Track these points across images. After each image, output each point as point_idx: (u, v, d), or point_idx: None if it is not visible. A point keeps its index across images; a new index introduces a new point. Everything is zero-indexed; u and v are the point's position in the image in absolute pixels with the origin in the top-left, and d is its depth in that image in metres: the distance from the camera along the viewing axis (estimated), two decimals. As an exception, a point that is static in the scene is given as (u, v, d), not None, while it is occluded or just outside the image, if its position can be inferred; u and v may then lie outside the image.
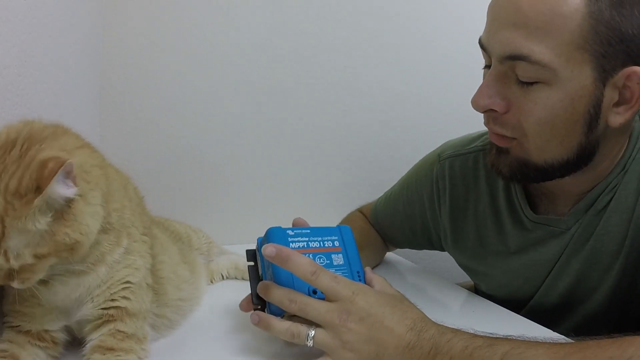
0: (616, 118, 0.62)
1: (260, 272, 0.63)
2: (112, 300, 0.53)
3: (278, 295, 0.57)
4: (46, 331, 0.53)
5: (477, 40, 0.67)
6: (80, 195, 0.47)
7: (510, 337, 0.51)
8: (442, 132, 0.97)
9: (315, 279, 0.56)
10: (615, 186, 0.68)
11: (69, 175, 0.45)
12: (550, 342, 0.49)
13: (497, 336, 0.52)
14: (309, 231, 0.64)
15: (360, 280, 0.62)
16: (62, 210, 0.46)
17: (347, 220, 1.02)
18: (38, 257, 0.45)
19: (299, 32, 1.14)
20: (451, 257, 0.90)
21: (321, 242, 0.64)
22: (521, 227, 0.76)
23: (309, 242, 0.63)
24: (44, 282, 0.50)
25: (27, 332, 0.52)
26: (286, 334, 0.56)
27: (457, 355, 0.50)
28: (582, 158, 0.65)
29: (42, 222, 0.44)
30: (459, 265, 0.90)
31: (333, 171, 1.21)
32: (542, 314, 0.76)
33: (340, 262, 0.63)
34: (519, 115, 0.63)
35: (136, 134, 1.05)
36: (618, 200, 0.68)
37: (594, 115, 0.61)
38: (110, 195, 0.53)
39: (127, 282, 0.54)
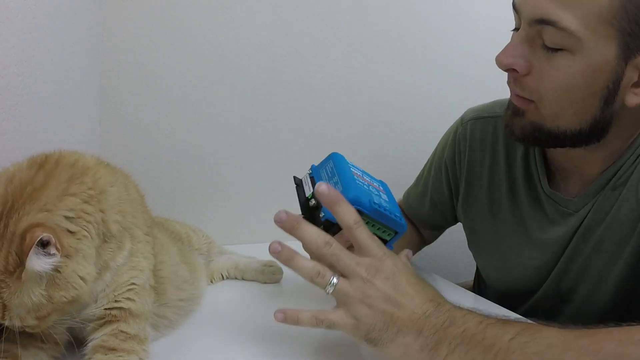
0: (633, 99, 0.63)
1: (307, 194, 0.63)
2: (116, 301, 0.53)
3: (314, 233, 0.56)
4: (48, 332, 0.53)
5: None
6: (67, 257, 0.46)
7: (521, 320, 0.52)
8: (443, 133, 0.97)
9: (356, 229, 0.56)
10: (626, 172, 0.69)
11: (48, 243, 0.44)
12: (560, 326, 0.49)
13: (510, 318, 0.52)
14: (360, 169, 0.68)
15: (402, 220, 0.63)
16: (54, 276, 0.46)
17: None
18: (40, 318, 0.46)
19: (299, 33, 1.14)
20: (451, 256, 0.90)
21: (371, 179, 0.67)
22: (535, 198, 0.77)
23: (363, 175, 0.66)
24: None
25: (29, 333, 0.51)
26: (311, 271, 0.55)
27: (470, 328, 0.50)
28: (595, 132, 0.66)
29: (37, 293, 0.45)
30: (468, 239, 0.90)
31: (333, 171, 1.21)
32: (549, 305, 0.76)
33: (386, 199, 0.64)
34: (538, 79, 0.64)
35: (136, 134, 1.05)
36: (629, 189, 0.68)
37: (612, 92, 0.62)
38: (108, 211, 0.52)
39: (132, 283, 0.54)
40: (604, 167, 0.70)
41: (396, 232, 0.63)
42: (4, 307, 0.44)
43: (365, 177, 0.66)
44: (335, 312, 0.54)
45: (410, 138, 1.25)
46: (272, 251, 0.56)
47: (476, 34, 1.24)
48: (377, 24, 1.19)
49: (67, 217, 0.48)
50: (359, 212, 0.58)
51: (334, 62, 1.17)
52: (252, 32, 1.10)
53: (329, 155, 0.67)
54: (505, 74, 0.69)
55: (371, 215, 0.60)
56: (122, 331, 0.52)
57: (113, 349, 0.51)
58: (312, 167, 0.68)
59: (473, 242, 0.89)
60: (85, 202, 0.50)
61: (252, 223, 1.12)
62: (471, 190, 0.86)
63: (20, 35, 0.59)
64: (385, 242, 0.63)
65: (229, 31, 1.08)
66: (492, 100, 0.88)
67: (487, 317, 0.52)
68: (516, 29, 0.68)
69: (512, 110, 0.71)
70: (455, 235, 1.01)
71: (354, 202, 0.57)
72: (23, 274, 0.44)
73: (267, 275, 0.85)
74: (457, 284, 0.93)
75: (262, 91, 1.12)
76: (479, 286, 0.97)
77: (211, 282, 0.84)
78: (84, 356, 0.52)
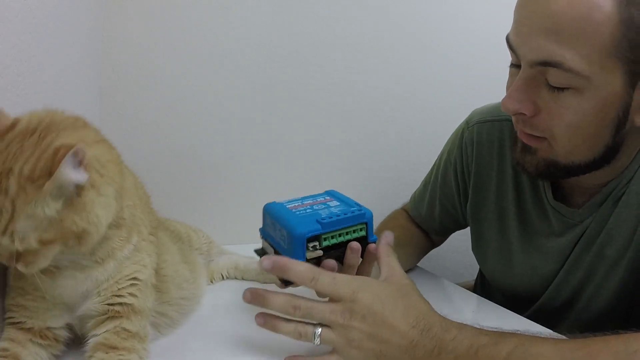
0: None
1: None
2: (119, 296, 0.53)
3: (280, 302, 0.57)
4: (48, 329, 0.53)
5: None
6: (92, 186, 0.47)
7: (516, 332, 0.52)
8: (443, 133, 0.97)
9: (315, 284, 0.56)
10: (628, 181, 0.69)
11: (80, 162, 0.45)
12: (555, 339, 0.50)
13: (503, 331, 0.52)
14: (299, 198, 0.68)
15: (361, 210, 0.62)
16: (73, 198, 0.46)
17: (388, 218, 1.01)
18: (43, 242, 0.45)
19: (299, 33, 1.13)
20: (451, 257, 0.90)
21: (313, 199, 0.67)
22: (541, 208, 0.77)
23: (303, 201, 0.66)
24: (50, 273, 0.50)
25: (29, 330, 0.52)
26: (294, 333, 0.57)
27: (462, 354, 0.50)
28: (607, 157, 0.65)
29: (52, 208, 0.44)
30: (473, 242, 0.90)
31: (333, 171, 1.21)
32: (550, 311, 0.76)
33: (337, 204, 0.65)
34: (548, 120, 0.63)
35: (136, 134, 1.05)
36: (629, 195, 0.68)
37: (622, 119, 0.62)
38: (125, 191, 0.53)
39: (135, 278, 0.54)
40: (609, 179, 0.70)
41: (365, 223, 0.62)
42: (12, 217, 0.44)
43: (306, 202, 0.66)
44: (332, 356, 0.56)
45: (410, 138, 1.24)
46: (257, 323, 0.58)
47: (476, 34, 1.24)
48: (378, 24, 1.19)
49: (97, 160, 0.49)
50: (317, 236, 0.59)
51: (334, 62, 1.17)
52: (252, 32, 1.10)
53: (263, 210, 0.67)
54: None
55: (329, 230, 0.60)
56: (124, 329, 0.52)
57: (114, 347, 0.51)
58: (260, 231, 0.68)
59: (479, 246, 0.89)
60: (112, 162, 0.52)
61: (252, 223, 1.12)
62: (480, 195, 0.85)
63: (20, 35, 0.59)
64: (364, 238, 0.63)
65: (229, 31, 1.08)
66: (495, 99, 0.88)
67: (479, 334, 0.52)
68: (514, 65, 0.66)
69: (521, 147, 0.69)
70: (455, 235, 1.01)
71: (302, 235, 0.58)
72: (47, 183, 0.43)
73: (267, 275, 0.85)
74: (458, 284, 0.93)
75: (262, 91, 1.12)
76: (482, 287, 0.97)
77: (211, 282, 0.84)
78: (84, 353, 0.52)
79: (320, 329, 0.56)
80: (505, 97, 0.64)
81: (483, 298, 0.85)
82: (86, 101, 0.95)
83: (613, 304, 0.72)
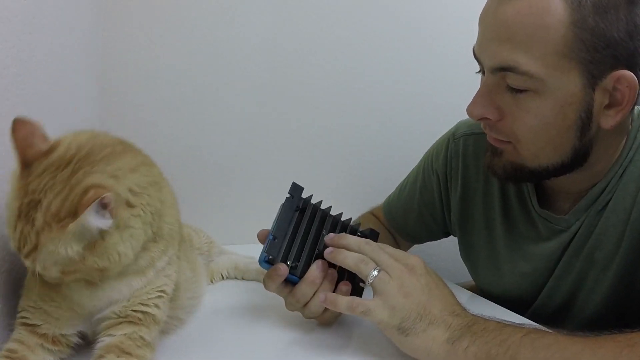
0: (608, 120, 0.63)
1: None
2: (145, 304, 0.53)
3: (354, 239, 0.64)
4: (62, 335, 0.52)
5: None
6: (117, 227, 0.47)
7: (533, 326, 0.59)
8: (442, 133, 0.96)
9: (371, 250, 0.62)
10: (614, 186, 0.69)
11: (106, 206, 0.44)
12: (567, 333, 0.54)
13: (524, 325, 0.57)
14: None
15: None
16: (95, 241, 0.46)
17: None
18: (65, 273, 0.46)
19: (300, 32, 1.13)
20: (451, 257, 0.90)
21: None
22: (527, 216, 0.77)
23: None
24: (92, 285, 0.49)
25: (42, 335, 0.50)
26: (356, 258, 0.61)
27: (490, 326, 0.56)
28: (577, 160, 0.66)
29: (74, 250, 0.44)
30: (461, 252, 0.90)
31: (333, 171, 1.21)
32: (544, 317, 0.76)
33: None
34: (512, 123, 0.65)
35: (136, 134, 1.04)
36: (616, 201, 0.69)
37: (586, 120, 0.63)
38: (165, 210, 0.54)
39: (163, 291, 0.55)
40: (592, 183, 0.70)
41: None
42: (35, 248, 0.44)
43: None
44: (373, 300, 0.59)
45: (410, 138, 1.24)
46: (326, 241, 0.65)
47: (477, 33, 1.24)
48: (378, 24, 1.19)
49: (131, 190, 0.48)
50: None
51: (335, 62, 1.17)
52: (252, 32, 1.10)
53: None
54: None
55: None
56: (141, 337, 0.52)
57: (127, 353, 0.50)
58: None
59: (469, 256, 0.89)
60: (151, 185, 0.52)
61: (252, 223, 1.12)
62: (467, 206, 0.86)
63: (20, 35, 0.59)
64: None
65: (229, 31, 1.08)
66: None
67: (505, 322, 0.57)
68: (482, 71, 0.68)
69: (490, 150, 0.72)
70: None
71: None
72: (71, 225, 0.43)
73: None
74: (458, 284, 0.93)
75: (262, 91, 1.12)
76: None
77: (211, 282, 0.84)
78: (88, 353, 0.51)
79: (377, 271, 0.60)
80: (470, 103, 0.67)
81: (483, 298, 0.85)
82: (86, 101, 0.95)
83: (605, 310, 0.72)
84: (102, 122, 1.02)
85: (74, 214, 0.43)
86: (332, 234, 0.66)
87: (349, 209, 1.07)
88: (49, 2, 0.70)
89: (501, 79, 0.63)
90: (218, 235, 0.93)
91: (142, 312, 0.53)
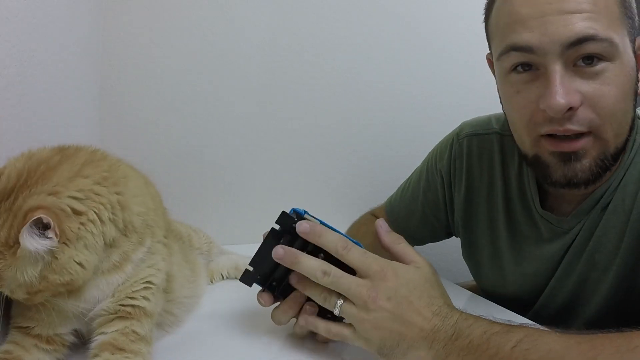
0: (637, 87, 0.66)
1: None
2: (132, 298, 0.53)
3: (311, 264, 0.57)
4: (56, 334, 0.52)
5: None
6: (68, 242, 0.46)
7: (526, 325, 0.54)
8: (443, 133, 0.96)
9: (346, 253, 0.57)
10: (614, 190, 0.69)
11: (47, 226, 0.44)
12: (561, 332, 0.51)
13: (514, 324, 0.53)
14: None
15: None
16: (50, 260, 0.45)
17: (358, 223, 1.00)
18: (31, 293, 0.46)
19: (300, 32, 1.13)
20: (451, 257, 0.90)
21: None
22: (530, 217, 0.77)
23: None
24: (76, 291, 0.49)
25: (36, 336, 0.51)
26: (319, 296, 0.57)
27: (475, 339, 0.52)
28: (628, 139, 0.67)
29: (30, 273, 0.45)
30: (464, 252, 0.90)
31: (334, 171, 1.21)
32: (545, 317, 0.76)
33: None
34: (594, 104, 0.62)
35: (136, 134, 1.05)
36: (616, 202, 0.69)
37: (636, 87, 0.65)
38: (130, 200, 0.52)
39: (149, 282, 0.54)
40: (595, 186, 0.70)
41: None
42: (0, 276, 0.44)
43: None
44: (349, 328, 0.56)
45: (411, 138, 1.24)
46: (290, 280, 0.60)
47: (477, 34, 1.24)
48: (379, 24, 1.19)
49: (75, 198, 0.48)
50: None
51: (336, 62, 1.17)
52: (252, 32, 1.10)
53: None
54: None
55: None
56: (133, 331, 0.52)
57: (121, 349, 0.50)
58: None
59: (471, 256, 0.89)
60: (97, 183, 0.50)
61: (252, 223, 1.12)
62: (470, 207, 0.86)
63: (20, 35, 0.59)
64: None
65: (229, 31, 1.08)
66: (494, 99, 0.87)
67: (492, 324, 0.53)
68: (527, 66, 0.65)
69: (560, 159, 0.65)
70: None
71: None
72: (18, 251, 0.44)
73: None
74: (458, 284, 0.93)
75: (262, 91, 1.12)
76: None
77: (211, 282, 0.84)
78: (86, 352, 0.51)
79: (342, 301, 0.56)
80: (549, 97, 0.61)
81: (483, 298, 0.85)
82: (86, 101, 0.94)
83: (606, 310, 0.72)
84: (102, 122, 1.02)
85: (19, 240, 0.44)
86: (281, 252, 0.58)
87: (350, 209, 1.07)
88: (49, 2, 0.70)
89: (570, 60, 0.61)
90: (218, 235, 0.93)
91: (130, 305, 0.52)
